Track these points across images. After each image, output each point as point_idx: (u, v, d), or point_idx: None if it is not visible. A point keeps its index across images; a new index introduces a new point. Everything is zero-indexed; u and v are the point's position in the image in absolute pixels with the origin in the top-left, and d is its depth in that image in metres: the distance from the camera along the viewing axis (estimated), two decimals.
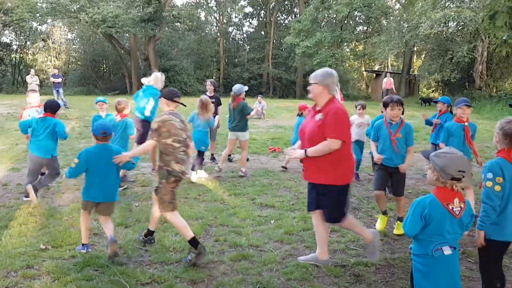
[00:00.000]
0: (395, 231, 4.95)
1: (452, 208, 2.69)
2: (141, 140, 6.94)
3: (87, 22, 25.72)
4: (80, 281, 3.61)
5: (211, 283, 3.66)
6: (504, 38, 5.63)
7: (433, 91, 33.87)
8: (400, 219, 4.95)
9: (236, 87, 7.66)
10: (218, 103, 8.35)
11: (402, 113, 7.97)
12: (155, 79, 7.72)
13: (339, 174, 3.78)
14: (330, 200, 3.83)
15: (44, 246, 4.34)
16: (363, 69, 40.70)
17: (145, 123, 7.19)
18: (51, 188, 6.59)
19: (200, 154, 7.41)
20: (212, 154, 8.77)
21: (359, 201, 6.18)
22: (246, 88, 7.78)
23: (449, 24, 24.21)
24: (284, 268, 3.93)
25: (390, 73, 26.28)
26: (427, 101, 24.12)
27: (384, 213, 5.08)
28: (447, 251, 2.71)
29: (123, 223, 5.04)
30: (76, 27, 31.81)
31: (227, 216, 5.36)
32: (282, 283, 3.66)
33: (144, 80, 7.88)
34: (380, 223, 5.07)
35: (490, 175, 3.00)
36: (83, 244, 4.28)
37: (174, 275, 3.75)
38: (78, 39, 37.78)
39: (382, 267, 4.02)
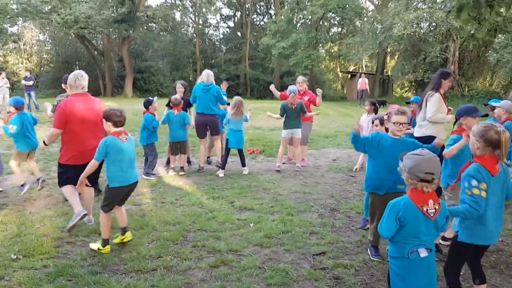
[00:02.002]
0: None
1: (427, 210, 2.69)
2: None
3: (58, 23, 25.12)
4: None
5: None
6: (471, 32, 5.69)
7: (406, 91, 34.40)
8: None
9: (294, 87, 8.17)
10: (189, 105, 8.31)
11: (376, 113, 8.10)
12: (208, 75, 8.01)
13: (62, 154, 5.01)
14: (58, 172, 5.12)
15: (15, 256, 4.17)
16: (339, 70, 41.11)
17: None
18: (22, 194, 6.38)
19: (239, 151, 7.98)
20: (188, 158, 8.64)
21: (337, 202, 6.17)
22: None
23: (422, 25, 24.64)
24: (264, 273, 3.87)
25: (365, 73, 26.57)
26: (382, 103, 23.50)
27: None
28: (423, 253, 2.71)
29: (97, 230, 4.85)
30: (48, 28, 31.03)
31: (206, 221, 5.27)
32: None
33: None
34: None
35: (474, 183, 2.98)
36: (22, 185, 6.28)
37: (151, 283, 3.65)
38: (50, 41, 36.97)
39: (362, 269, 4.01)
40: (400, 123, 3.96)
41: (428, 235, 2.73)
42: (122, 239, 4.54)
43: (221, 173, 7.78)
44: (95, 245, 4.41)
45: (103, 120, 4.36)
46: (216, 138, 8.23)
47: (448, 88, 5.86)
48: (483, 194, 2.97)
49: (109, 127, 4.33)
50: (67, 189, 5.01)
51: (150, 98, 7.88)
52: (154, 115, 7.62)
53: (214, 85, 7.89)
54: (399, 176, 3.61)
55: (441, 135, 5.60)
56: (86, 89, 5.02)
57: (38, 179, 6.42)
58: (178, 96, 8.01)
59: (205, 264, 4.04)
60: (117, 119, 4.28)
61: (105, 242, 4.36)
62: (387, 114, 4.13)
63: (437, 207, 2.71)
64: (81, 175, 4.44)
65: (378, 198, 4.12)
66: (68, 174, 4.97)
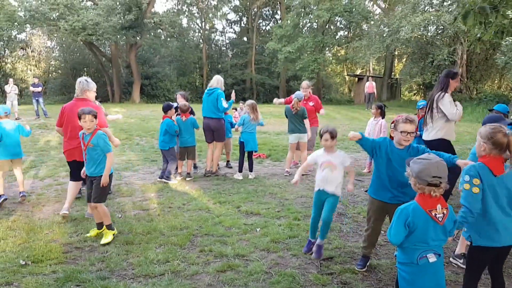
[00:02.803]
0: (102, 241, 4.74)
1: (435, 214, 2.68)
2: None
3: (66, 30, 25.35)
4: None
5: None
6: (478, 35, 5.67)
7: (414, 94, 34.29)
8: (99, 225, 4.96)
9: (301, 93, 8.14)
10: (191, 113, 8.38)
11: (383, 117, 8.09)
12: (217, 80, 8.13)
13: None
14: None
15: (24, 262, 4.21)
16: (345, 73, 41.05)
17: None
18: (31, 200, 6.44)
19: (249, 154, 8.14)
20: (195, 163, 8.65)
21: (344, 206, 6.16)
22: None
23: (429, 28, 24.55)
24: (271, 278, 3.87)
25: (372, 77, 26.53)
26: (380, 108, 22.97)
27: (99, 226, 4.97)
28: (432, 258, 2.71)
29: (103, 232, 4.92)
30: (56, 35, 31.33)
31: (212, 225, 5.29)
32: None
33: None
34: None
35: (467, 178, 2.96)
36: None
37: None
38: (58, 47, 37.30)
39: (369, 274, 4.00)
40: (408, 132, 3.68)
41: (436, 240, 2.72)
42: (99, 233, 4.96)
43: (239, 176, 7.98)
44: (106, 239, 4.71)
45: (93, 117, 4.72)
46: (218, 144, 8.14)
47: (456, 89, 5.77)
48: (475, 189, 2.92)
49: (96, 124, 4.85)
50: (70, 185, 5.74)
51: (171, 103, 7.93)
52: (173, 120, 7.67)
53: (217, 89, 7.91)
54: (402, 190, 3.71)
55: (452, 136, 5.65)
56: (88, 96, 5.87)
57: (20, 192, 6.45)
58: (186, 102, 8.06)
59: (212, 269, 4.05)
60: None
61: (111, 226, 4.88)
62: (393, 123, 3.90)
63: (445, 211, 2.70)
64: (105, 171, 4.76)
65: (378, 205, 3.95)
66: (71, 169, 5.74)
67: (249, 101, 8.37)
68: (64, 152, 5.68)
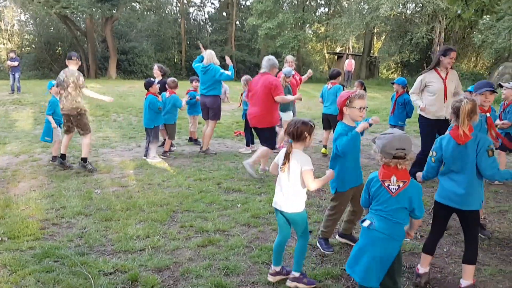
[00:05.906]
0: None
1: (388, 185, 2.79)
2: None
3: (40, 2, 24.49)
4: (40, 273, 3.46)
5: (177, 270, 3.59)
6: (458, 12, 5.68)
7: (392, 72, 34.54)
8: None
9: (290, 70, 8.00)
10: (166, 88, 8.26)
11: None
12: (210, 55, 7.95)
13: None
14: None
15: (0, 238, 4.14)
16: (325, 51, 40.96)
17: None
18: (6, 177, 6.30)
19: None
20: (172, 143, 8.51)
21: None
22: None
23: (408, 6, 24.62)
24: (251, 252, 3.91)
25: (351, 55, 26.55)
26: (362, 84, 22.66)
27: None
28: (365, 223, 2.85)
29: (83, 211, 4.86)
30: (29, 7, 30.16)
31: (193, 202, 5.28)
32: (249, 267, 3.64)
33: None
34: None
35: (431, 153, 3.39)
36: None
37: (139, 263, 3.66)
38: (32, 21, 36.01)
39: (347, 247, 4.07)
40: (364, 108, 3.64)
41: (385, 211, 2.80)
42: None
43: (248, 150, 8.29)
44: None
45: None
46: (210, 122, 7.92)
47: (452, 67, 5.62)
48: (431, 160, 3.37)
49: None
50: (261, 149, 6.51)
51: (151, 79, 7.72)
52: (157, 96, 7.42)
53: (211, 65, 7.74)
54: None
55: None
56: (264, 70, 6.65)
57: None
58: (174, 78, 7.98)
59: (193, 244, 4.05)
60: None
61: None
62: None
63: (401, 184, 2.77)
64: None
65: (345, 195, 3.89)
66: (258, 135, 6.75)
67: (244, 76, 8.36)
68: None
